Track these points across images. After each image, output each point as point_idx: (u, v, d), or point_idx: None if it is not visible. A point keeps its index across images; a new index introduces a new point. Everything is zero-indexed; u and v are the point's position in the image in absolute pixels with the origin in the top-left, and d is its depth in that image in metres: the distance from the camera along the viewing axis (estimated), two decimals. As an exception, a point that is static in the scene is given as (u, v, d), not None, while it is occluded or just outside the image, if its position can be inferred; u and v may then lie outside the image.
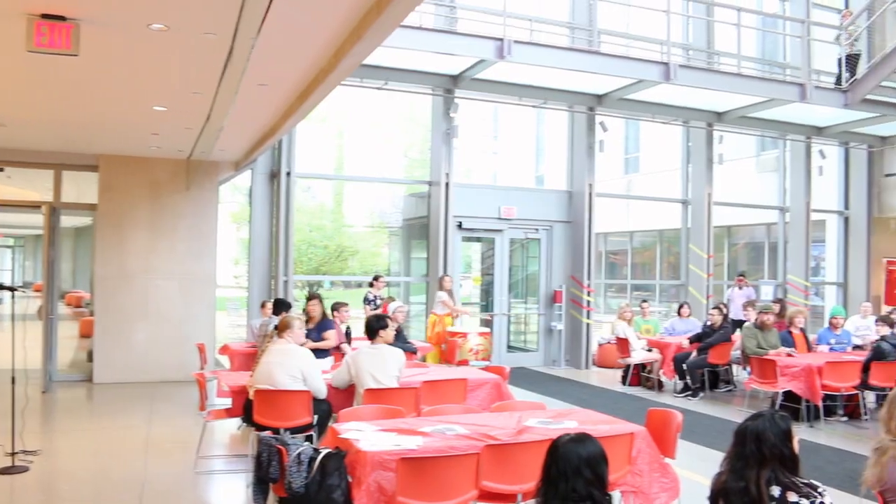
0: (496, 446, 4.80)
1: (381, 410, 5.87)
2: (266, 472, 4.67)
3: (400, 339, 9.56)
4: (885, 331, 10.16)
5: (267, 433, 5.15)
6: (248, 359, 8.80)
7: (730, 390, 11.92)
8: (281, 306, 9.50)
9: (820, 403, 9.43)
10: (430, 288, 13.52)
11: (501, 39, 11.28)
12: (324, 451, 4.58)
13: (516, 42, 11.40)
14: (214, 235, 12.31)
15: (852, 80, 13.55)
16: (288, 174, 12.48)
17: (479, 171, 24.21)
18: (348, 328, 9.67)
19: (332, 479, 4.42)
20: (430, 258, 13.66)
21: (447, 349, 11.80)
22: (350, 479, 4.51)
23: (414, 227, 15.18)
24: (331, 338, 8.49)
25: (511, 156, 25.66)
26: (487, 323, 14.28)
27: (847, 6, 15.61)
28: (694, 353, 11.48)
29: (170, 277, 11.90)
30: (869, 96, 13.54)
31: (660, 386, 12.11)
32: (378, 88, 12.58)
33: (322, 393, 6.61)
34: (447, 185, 13.29)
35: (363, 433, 4.98)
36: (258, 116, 8.59)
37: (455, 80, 12.97)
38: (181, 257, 12.01)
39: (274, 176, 12.67)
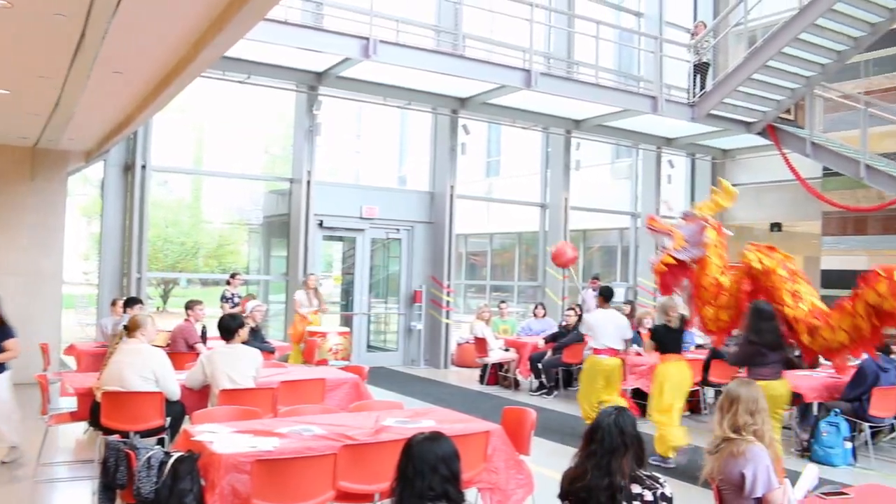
0: (353, 446, 4.79)
1: (237, 411, 5.75)
2: (113, 478, 4.47)
3: (257, 339, 9.42)
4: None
5: (115, 437, 4.94)
6: (97, 359, 8.38)
7: (582, 388, 12.34)
8: (132, 304, 9.15)
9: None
10: (290, 287, 13.33)
11: (367, 38, 11.23)
12: (175, 455, 4.43)
13: (382, 42, 11.36)
14: (62, 229, 11.68)
15: (702, 93, 14.30)
16: (143, 167, 11.96)
17: (342, 170, 24.08)
18: (203, 327, 9.43)
19: (184, 483, 4.29)
20: (291, 257, 13.46)
21: (306, 349, 11.65)
22: (203, 483, 4.39)
23: (274, 225, 14.93)
24: (13, 347, 6.93)
25: (374, 155, 25.65)
26: (347, 322, 14.22)
27: (696, 18, 16.52)
28: (549, 353, 11.83)
29: (12, 273, 11.15)
30: (713, 112, 14.32)
31: (516, 385, 12.40)
32: (240, 82, 12.27)
33: (175, 395, 6.41)
34: (309, 182, 13.12)
35: (217, 435, 4.85)
36: (112, 105, 8.21)
37: (319, 77, 12.84)
38: (25, 252, 11.30)
39: (128, 168, 12.13)
